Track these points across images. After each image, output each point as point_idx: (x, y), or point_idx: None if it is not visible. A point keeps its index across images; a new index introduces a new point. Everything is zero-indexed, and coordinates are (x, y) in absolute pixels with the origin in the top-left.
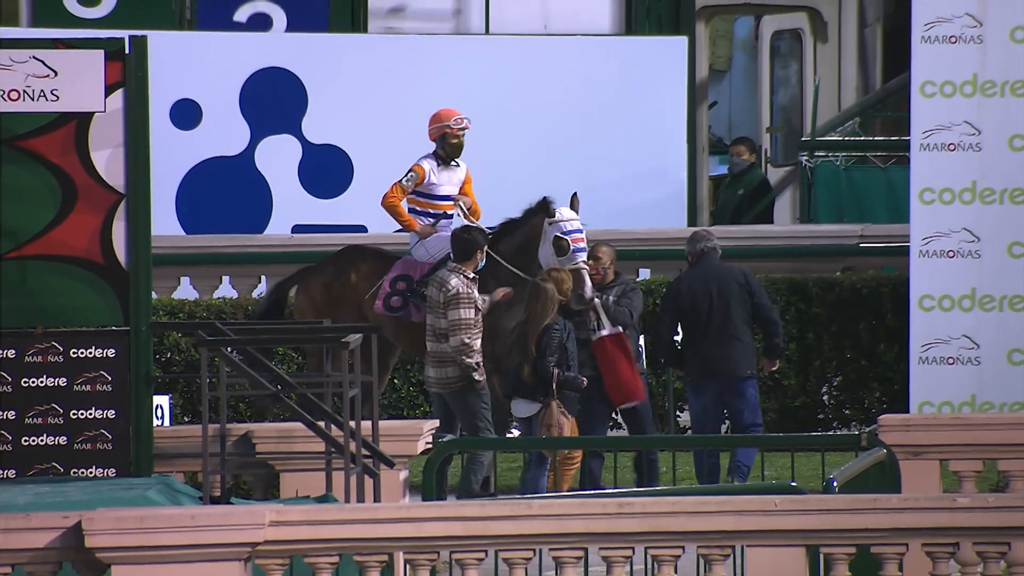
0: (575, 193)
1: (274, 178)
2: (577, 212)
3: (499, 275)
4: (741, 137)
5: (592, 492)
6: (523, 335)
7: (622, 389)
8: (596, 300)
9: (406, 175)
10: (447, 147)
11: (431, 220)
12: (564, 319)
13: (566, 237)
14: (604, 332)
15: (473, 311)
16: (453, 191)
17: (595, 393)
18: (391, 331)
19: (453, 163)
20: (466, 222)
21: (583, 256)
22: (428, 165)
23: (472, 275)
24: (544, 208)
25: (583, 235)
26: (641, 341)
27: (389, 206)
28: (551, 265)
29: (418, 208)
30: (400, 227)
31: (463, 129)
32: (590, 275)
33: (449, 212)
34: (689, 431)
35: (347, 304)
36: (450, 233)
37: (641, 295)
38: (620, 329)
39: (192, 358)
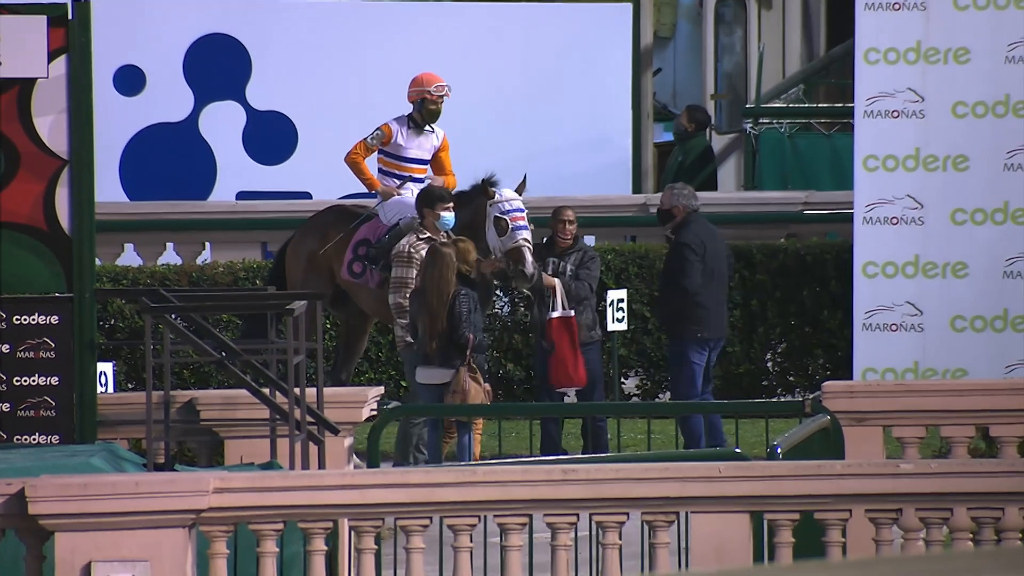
0: (524, 176)
1: (218, 145)
2: (521, 194)
3: None
4: (692, 105)
5: (538, 459)
6: (424, 304)
7: (564, 373)
8: (557, 281)
9: (372, 133)
10: (424, 112)
11: (397, 182)
12: (470, 289)
13: (505, 217)
14: (555, 314)
15: (413, 271)
16: (424, 156)
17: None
18: (358, 297)
19: (428, 128)
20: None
21: (523, 234)
22: (396, 126)
23: (427, 234)
24: (483, 191)
25: (524, 214)
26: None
27: (351, 162)
28: (495, 246)
29: (385, 168)
30: (364, 186)
31: (443, 96)
32: (561, 237)
33: (417, 175)
34: (635, 399)
35: (320, 268)
36: (412, 197)
37: (599, 262)
38: (571, 313)
39: (136, 325)
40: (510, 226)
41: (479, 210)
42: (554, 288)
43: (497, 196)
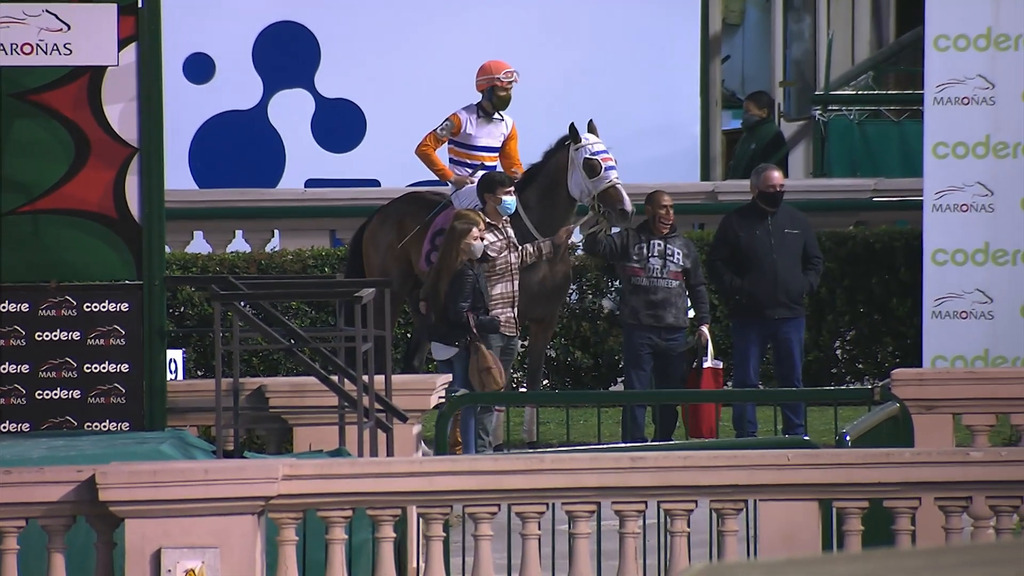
0: (591, 120)
1: (287, 132)
2: (597, 136)
3: (518, 228)
4: (755, 92)
5: (606, 446)
6: (436, 280)
7: (702, 425)
8: (705, 329)
9: (441, 124)
10: (495, 99)
11: (469, 171)
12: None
13: (595, 157)
14: (707, 363)
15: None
16: (494, 143)
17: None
18: None
19: (497, 116)
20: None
21: (615, 174)
22: (465, 116)
23: (489, 220)
24: (571, 134)
25: (611, 155)
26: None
27: (422, 154)
28: (584, 191)
29: (456, 158)
30: (436, 177)
31: (512, 82)
32: (663, 223)
33: (488, 163)
34: None
35: (400, 258)
36: None
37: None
38: (720, 364)
39: (205, 312)
40: (602, 166)
41: (559, 163)
42: (706, 336)
43: (583, 140)
